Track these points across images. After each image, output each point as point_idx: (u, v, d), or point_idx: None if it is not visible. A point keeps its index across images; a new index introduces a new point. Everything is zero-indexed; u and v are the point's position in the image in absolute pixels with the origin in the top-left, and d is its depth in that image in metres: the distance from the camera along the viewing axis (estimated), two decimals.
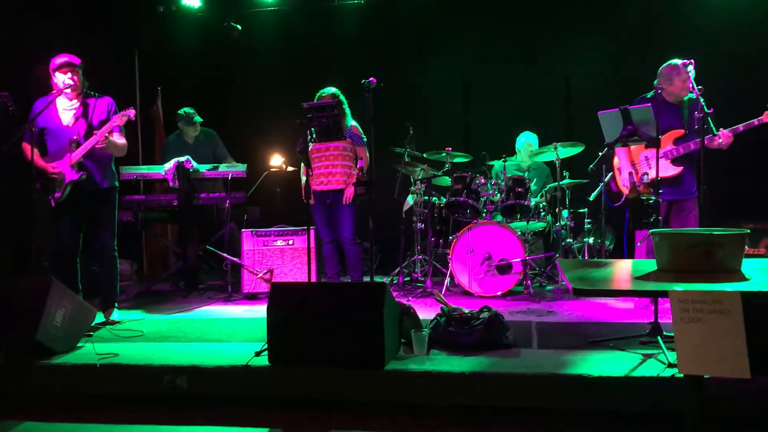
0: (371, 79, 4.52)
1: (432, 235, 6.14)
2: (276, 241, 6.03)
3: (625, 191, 4.93)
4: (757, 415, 3.10)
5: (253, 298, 5.93)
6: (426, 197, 6.14)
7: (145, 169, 6.31)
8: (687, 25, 6.88)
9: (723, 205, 6.09)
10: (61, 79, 4.67)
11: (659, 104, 4.43)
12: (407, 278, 6.41)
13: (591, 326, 4.42)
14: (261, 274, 5.91)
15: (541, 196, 6.13)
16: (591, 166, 5.01)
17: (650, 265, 3.33)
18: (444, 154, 6.22)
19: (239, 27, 7.75)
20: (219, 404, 3.56)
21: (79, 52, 4.83)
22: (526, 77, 7.52)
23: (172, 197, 6.18)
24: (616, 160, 5.08)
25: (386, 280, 6.24)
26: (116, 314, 4.94)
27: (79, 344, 4.12)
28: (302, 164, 5.59)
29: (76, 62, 4.73)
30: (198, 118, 6.64)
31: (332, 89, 5.64)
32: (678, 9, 7.00)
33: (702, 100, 4.31)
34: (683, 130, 4.81)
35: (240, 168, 6.22)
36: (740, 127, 4.65)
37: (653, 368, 3.29)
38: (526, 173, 6.43)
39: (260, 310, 4.92)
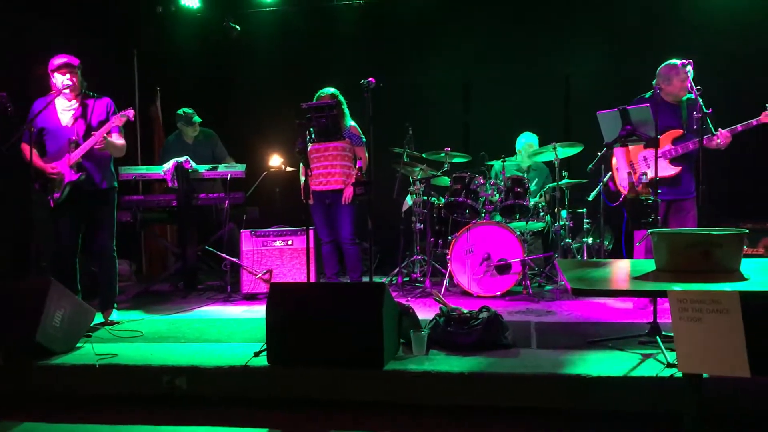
0: (370, 79, 4.52)
1: (431, 235, 6.15)
2: (275, 241, 6.03)
3: (623, 191, 4.93)
4: (756, 414, 3.10)
5: (252, 298, 5.93)
6: (425, 197, 6.15)
7: (144, 170, 6.31)
8: (686, 26, 6.89)
9: (721, 205, 6.10)
10: (60, 79, 4.67)
11: (658, 104, 4.44)
12: (406, 278, 6.41)
13: (590, 326, 4.42)
14: (260, 275, 5.91)
15: (540, 196, 6.13)
16: (590, 166, 5.01)
17: (649, 265, 3.33)
18: (443, 155, 6.22)
19: (238, 27, 7.75)
20: (218, 404, 3.56)
21: (78, 52, 4.83)
22: (525, 77, 7.52)
23: (171, 197, 6.18)
24: (614, 160, 5.08)
25: (385, 280, 6.24)
26: (115, 315, 4.94)
27: (78, 345, 4.12)
28: (301, 164, 5.58)
29: (75, 63, 4.73)
30: (197, 119, 6.64)
31: (331, 89, 5.64)
32: (677, 9, 7.00)
33: (701, 100, 4.32)
34: (682, 130, 4.82)
35: (239, 168, 6.22)
36: (738, 127, 4.66)
37: (652, 368, 3.29)
38: (526, 173, 6.44)
39: (259, 311, 4.91)
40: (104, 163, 4.86)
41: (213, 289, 6.52)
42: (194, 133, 6.70)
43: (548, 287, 6.04)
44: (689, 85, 4.52)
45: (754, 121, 4.63)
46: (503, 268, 5.61)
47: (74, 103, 4.80)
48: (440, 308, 4.10)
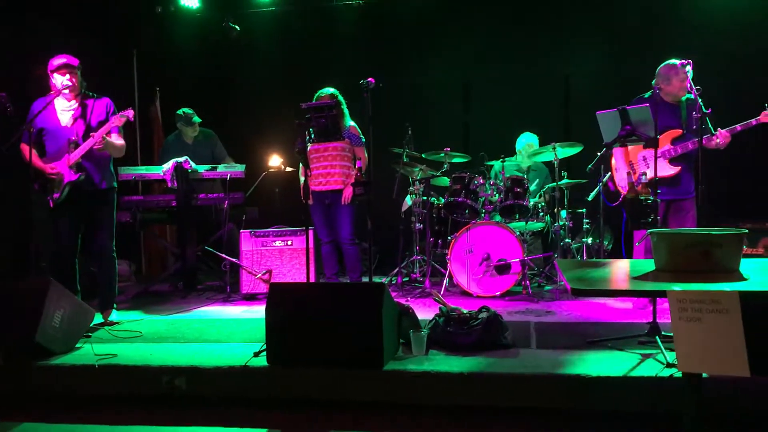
0: (370, 79, 4.52)
1: (431, 235, 6.15)
2: (275, 241, 6.03)
3: (622, 191, 4.93)
4: (755, 414, 3.10)
5: (251, 298, 5.93)
6: (425, 197, 6.15)
7: (143, 170, 6.31)
8: (686, 26, 6.89)
9: (721, 205, 6.10)
10: (60, 80, 4.67)
11: (657, 104, 4.44)
12: (406, 278, 6.41)
13: (589, 326, 4.42)
14: (260, 275, 5.91)
15: (540, 197, 6.13)
16: (589, 166, 5.01)
17: (648, 265, 3.33)
18: (442, 155, 6.22)
19: (237, 27, 7.75)
20: (218, 405, 3.56)
21: (77, 52, 4.83)
22: (525, 77, 7.52)
23: (170, 198, 6.17)
24: (613, 161, 5.08)
25: (385, 280, 6.24)
26: (115, 315, 4.93)
27: (77, 345, 4.12)
28: (301, 164, 5.58)
29: (75, 63, 4.73)
30: (197, 119, 6.64)
31: (331, 89, 5.64)
32: (677, 9, 7.00)
33: (700, 100, 4.32)
34: (681, 130, 4.82)
35: (238, 168, 6.22)
36: (738, 127, 4.66)
37: (652, 368, 3.29)
38: (526, 174, 6.44)
39: (259, 311, 4.91)
40: (104, 163, 4.86)
41: (212, 290, 6.52)
42: (194, 133, 6.70)
43: (548, 287, 6.04)
44: (689, 85, 4.52)
45: (753, 121, 4.64)
46: (503, 268, 5.61)
47: (74, 104, 4.79)
48: (440, 308, 4.10)
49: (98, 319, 4.72)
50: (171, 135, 6.87)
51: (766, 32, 6.58)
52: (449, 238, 5.98)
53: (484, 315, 3.88)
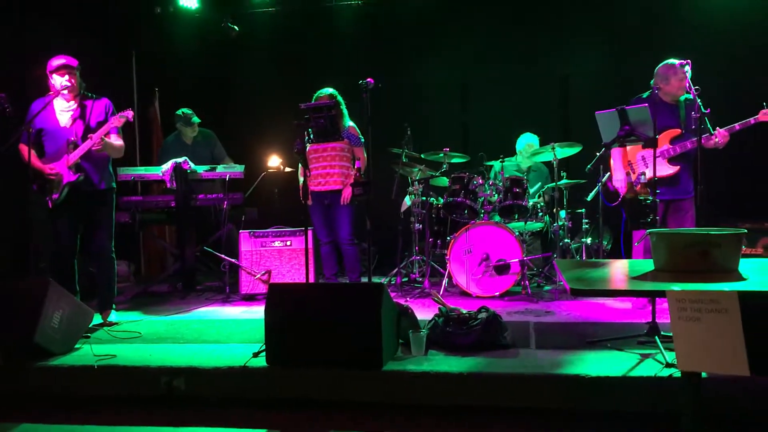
0: (369, 79, 4.52)
1: (430, 235, 6.15)
2: (274, 242, 6.03)
3: (619, 192, 4.93)
4: (755, 414, 3.10)
5: (251, 299, 5.93)
6: (424, 198, 6.15)
7: (142, 170, 6.30)
8: (686, 26, 6.88)
9: (720, 204, 6.10)
10: (59, 81, 4.67)
11: (656, 104, 4.44)
12: (405, 279, 6.41)
13: (589, 326, 4.42)
14: (259, 275, 5.91)
15: (539, 197, 6.13)
16: (588, 166, 5.01)
17: (647, 265, 3.33)
18: (442, 155, 6.22)
19: (236, 28, 7.75)
20: (217, 405, 3.56)
21: (77, 52, 4.83)
22: (524, 77, 7.52)
23: (169, 198, 6.17)
24: (612, 161, 5.08)
25: (384, 280, 6.24)
26: (114, 315, 4.93)
27: (76, 345, 4.12)
28: (300, 165, 5.59)
29: (74, 64, 4.73)
30: (196, 119, 6.63)
31: (330, 90, 5.63)
32: (677, 9, 7.00)
33: (699, 100, 4.32)
34: (680, 130, 4.82)
35: (238, 169, 6.21)
36: (736, 126, 4.66)
37: (651, 368, 3.29)
38: (526, 174, 6.44)
39: (258, 311, 4.91)
40: (102, 163, 4.86)
41: (212, 290, 6.51)
42: (193, 133, 6.70)
43: (547, 287, 6.04)
44: (687, 84, 4.52)
45: (752, 120, 4.64)
46: (502, 269, 5.61)
47: (73, 104, 4.79)
48: (439, 308, 4.09)
49: (97, 319, 4.72)
50: (170, 135, 6.87)
51: (765, 32, 6.59)
52: (448, 238, 5.98)
53: (483, 315, 3.88)
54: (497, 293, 5.60)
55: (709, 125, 4.51)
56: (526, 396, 3.28)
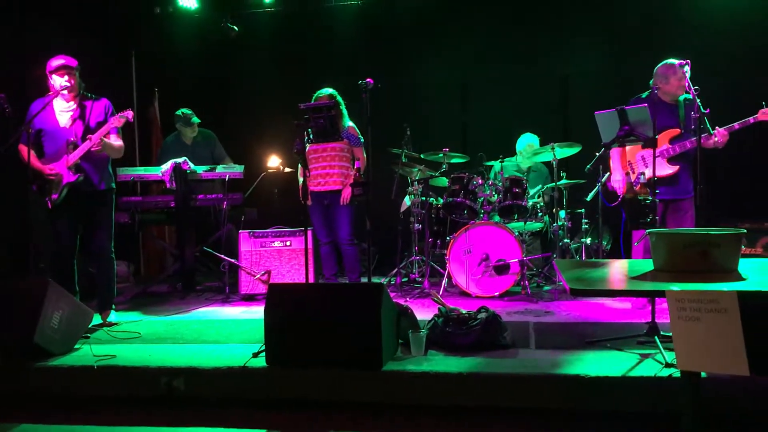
0: (368, 80, 4.52)
1: (429, 235, 6.15)
2: (273, 242, 6.03)
3: (618, 193, 4.94)
4: (755, 414, 3.10)
5: (250, 299, 5.93)
6: (423, 198, 6.15)
7: (142, 171, 6.30)
8: (686, 26, 6.89)
9: (720, 204, 6.10)
10: (58, 81, 4.67)
11: (655, 104, 4.44)
12: (405, 279, 6.42)
13: (588, 326, 4.42)
14: (258, 276, 5.91)
15: (539, 197, 6.13)
16: (588, 166, 5.01)
17: (647, 265, 3.33)
18: (441, 155, 6.22)
19: (236, 28, 7.75)
20: (216, 405, 3.56)
21: (76, 53, 4.83)
22: (524, 77, 7.53)
23: (169, 199, 6.17)
24: (611, 161, 5.08)
25: (384, 280, 6.24)
26: (113, 316, 4.93)
27: (76, 346, 4.12)
28: (299, 165, 5.59)
29: (73, 64, 4.73)
30: (196, 119, 6.63)
31: (329, 90, 5.63)
32: (677, 9, 7.00)
33: (698, 100, 4.31)
34: (679, 129, 4.82)
35: (237, 169, 6.21)
36: (736, 125, 4.66)
37: (651, 368, 3.29)
38: (526, 175, 6.44)
39: (258, 312, 4.91)
40: (102, 164, 4.86)
41: (211, 290, 6.52)
42: (193, 133, 6.69)
43: (547, 287, 6.04)
44: (687, 84, 4.52)
45: (751, 119, 4.63)
46: (502, 269, 5.61)
47: (72, 105, 4.79)
48: (439, 309, 4.09)
49: (97, 320, 4.72)
50: (170, 136, 6.87)
51: (765, 32, 6.59)
52: (448, 238, 5.98)
53: (482, 315, 3.88)
54: (497, 293, 5.61)
55: (708, 125, 4.51)
56: (525, 396, 3.28)
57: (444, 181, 6.21)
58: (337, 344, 3.49)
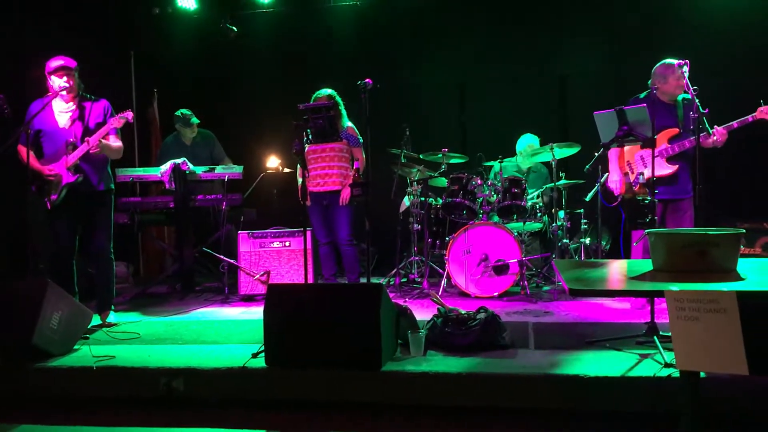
0: (367, 80, 4.52)
1: (429, 236, 6.15)
2: (273, 242, 6.03)
3: (615, 193, 4.94)
4: (755, 414, 3.10)
5: (250, 299, 5.93)
6: (422, 198, 6.15)
7: (141, 171, 6.30)
8: (686, 26, 6.88)
9: (719, 204, 6.10)
10: (57, 82, 4.66)
11: (654, 104, 4.44)
12: (404, 279, 6.42)
13: (587, 326, 4.42)
14: (258, 276, 5.91)
15: (538, 197, 6.13)
16: (587, 166, 5.01)
17: (646, 265, 3.33)
18: (440, 155, 6.22)
19: (235, 28, 7.74)
20: (216, 406, 3.55)
21: (75, 53, 4.83)
22: (523, 78, 7.53)
23: (168, 199, 6.17)
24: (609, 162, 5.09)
25: (383, 281, 6.24)
26: (113, 316, 4.93)
27: (75, 347, 4.11)
28: (298, 166, 5.59)
29: (72, 65, 4.72)
30: (195, 120, 6.63)
31: (328, 90, 5.63)
32: (676, 9, 7.00)
33: (697, 100, 4.31)
34: (678, 129, 4.82)
35: (236, 170, 6.21)
36: (734, 123, 4.65)
37: (650, 368, 3.29)
38: (526, 175, 6.45)
39: (257, 312, 4.91)
40: (101, 165, 4.86)
41: (210, 291, 6.51)
42: (192, 134, 6.69)
43: (546, 288, 6.04)
44: (685, 83, 4.52)
45: (749, 118, 4.62)
46: (501, 269, 5.61)
47: (71, 105, 4.79)
48: (438, 309, 4.09)
49: (96, 320, 4.72)
50: (169, 136, 6.86)
51: (765, 32, 6.58)
52: (447, 238, 5.98)
53: (482, 315, 3.88)
54: (496, 293, 5.61)
55: (707, 125, 4.51)
56: (524, 396, 3.28)
57: (443, 182, 6.21)
58: (336, 344, 3.49)
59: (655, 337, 3.70)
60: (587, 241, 6.13)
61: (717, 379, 3.01)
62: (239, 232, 6.06)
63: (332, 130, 4.67)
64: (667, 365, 3.28)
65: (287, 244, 6.02)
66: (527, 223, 5.94)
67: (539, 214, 6.00)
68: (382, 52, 7.76)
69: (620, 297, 5.21)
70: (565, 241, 5.94)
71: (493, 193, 5.92)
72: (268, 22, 8.02)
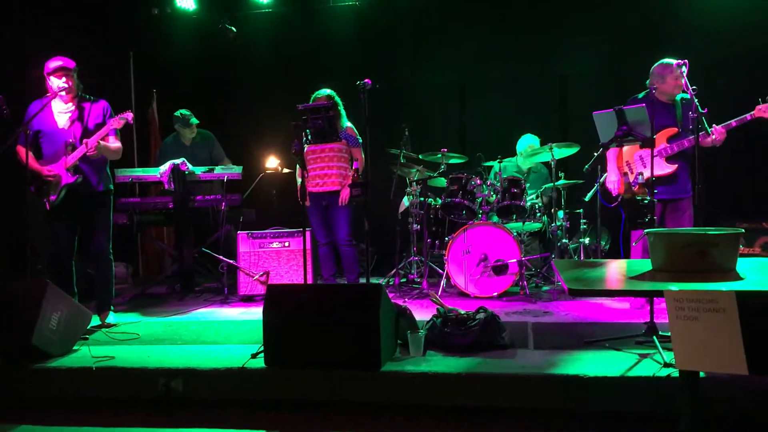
0: (366, 80, 4.52)
1: (428, 236, 6.15)
2: (272, 243, 6.02)
3: (613, 194, 4.95)
4: (755, 414, 3.10)
5: (249, 300, 5.93)
6: (422, 198, 6.15)
7: (140, 172, 6.30)
8: (686, 26, 6.88)
9: (718, 204, 6.11)
10: (56, 83, 4.66)
11: (652, 103, 4.44)
12: (403, 279, 6.41)
13: (587, 326, 4.42)
14: (257, 276, 5.91)
15: (537, 197, 6.14)
16: (586, 166, 5.02)
17: (645, 265, 3.33)
18: (440, 156, 6.22)
19: (234, 29, 7.74)
20: (215, 406, 3.55)
21: (74, 54, 4.82)
22: (523, 78, 7.54)
23: (167, 200, 6.17)
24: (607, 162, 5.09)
25: (382, 281, 6.24)
26: (112, 317, 4.93)
27: (74, 347, 4.11)
28: (298, 166, 5.58)
29: (71, 66, 4.72)
30: (194, 120, 6.62)
31: (327, 91, 5.63)
32: (676, 9, 6.99)
33: (696, 100, 4.31)
34: (676, 129, 4.82)
35: (236, 170, 6.21)
36: (733, 122, 4.64)
37: (649, 368, 3.29)
38: (526, 176, 6.45)
39: (256, 312, 4.91)
40: (100, 165, 4.85)
41: (210, 291, 6.51)
42: (192, 134, 6.68)
43: (545, 288, 6.05)
44: (684, 83, 4.52)
45: (748, 116, 4.62)
46: (500, 269, 5.61)
47: (71, 106, 4.79)
48: (437, 309, 4.09)
49: (95, 321, 4.71)
50: (169, 137, 6.86)
51: (765, 32, 6.58)
52: (446, 239, 5.98)
53: (481, 316, 3.88)
54: (495, 294, 5.61)
55: (706, 124, 4.51)
56: (524, 396, 3.28)
57: (442, 182, 6.21)
58: (335, 345, 3.49)
59: (655, 337, 3.70)
60: (586, 241, 6.13)
61: (716, 378, 3.01)
62: (238, 232, 6.05)
63: (331, 131, 4.66)
64: (666, 365, 3.28)
65: (286, 244, 6.02)
66: (526, 223, 5.94)
67: (538, 214, 6.00)
68: (382, 53, 7.76)
69: (619, 297, 5.21)
70: (564, 241, 5.94)
71: (492, 193, 5.92)
72: (267, 22, 8.01)
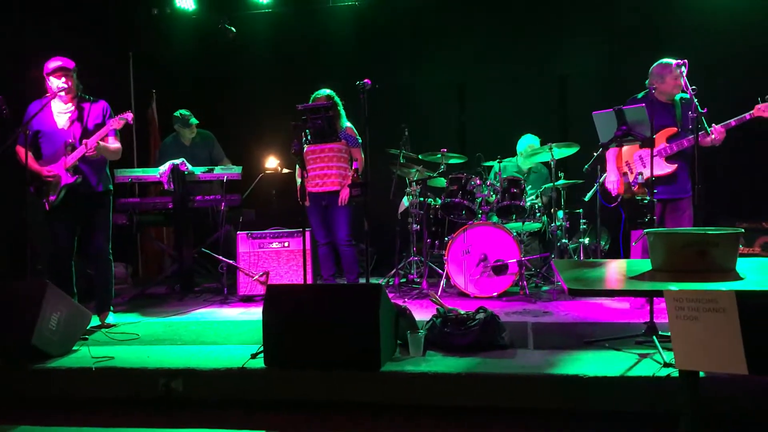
0: (366, 80, 4.52)
1: (428, 236, 6.15)
2: (271, 243, 6.02)
3: (612, 194, 4.95)
4: (755, 414, 3.10)
5: (248, 300, 5.93)
6: (421, 198, 6.15)
7: (140, 172, 6.30)
8: (686, 26, 6.88)
9: (718, 204, 6.10)
10: (56, 83, 4.66)
11: (652, 103, 4.44)
12: (403, 279, 6.41)
13: (587, 326, 4.42)
14: (257, 276, 5.91)
15: (537, 197, 6.14)
16: (586, 166, 5.02)
17: (645, 265, 3.33)
18: (439, 156, 6.22)
19: (233, 29, 7.74)
20: (215, 407, 3.55)
21: (74, 54, 4.82)
22: (522, 78, 7.53)
23: (167, 200, 6.17)
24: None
25: (382, 281, 6.24)
26: (111, 317, 4.92)
27: (74, 348, 4.11)
28: (297, 166, 5.58)
29: (70, 66, 4.71)
30: (194, 120, 6.62)
31: (327, 91, 5.62)
32: (676, 9, 6.99)
33: (696, 100, 4.31)
34: (676, 128, 4.82)
35: (235, 170, 6.20)
36: (732, 122, 4.64)
37: (649, 368, 3.29)
38: (526, 176, 6.44)
39: (256, 313, 4.91)
40: (100, 166, 4.85)
41: (209, 292, 6.51)
42: (191, 135, 6.68)
43: (545, 288, 6.04)
44: (683, 83, 4.52)
45: (747, 115, 4.61)
46: (500, 269, 5.61)
47: (70, 106, 4.78)
48: (437, 309, 4.09)
49: (95, 321, 4.71)
50: (168, 137, 6.85)
51: (765, 32, 6.57)
52: (446, 239, 5.98)
53: (481, 316, 3.88)
54: (495, 294, 5.60)
55: (705, 124, 4.51)
56: (524, 396, 3.28)
57: (442, 182, 6.21)
58: (335, 345, 3.49)
59: (654, 337, 3.70)
60: (586, 241, 6.13)
61: (716, 378, 3.01)
62: (238, 232, 6.05)
63: (331, 131, 4.66)
64: (666, 365, 3.28)
65: (286, 244, 6.01)
66: (526, 223, 5.94)
67: (538, 214, 5.99)
68: (382, 53, 7.76)
69: (619, 297, 5.21)
70: (564, 241, 5.94)
71: (492, 193, 5.92)
72: (267, 22, 8.01)
